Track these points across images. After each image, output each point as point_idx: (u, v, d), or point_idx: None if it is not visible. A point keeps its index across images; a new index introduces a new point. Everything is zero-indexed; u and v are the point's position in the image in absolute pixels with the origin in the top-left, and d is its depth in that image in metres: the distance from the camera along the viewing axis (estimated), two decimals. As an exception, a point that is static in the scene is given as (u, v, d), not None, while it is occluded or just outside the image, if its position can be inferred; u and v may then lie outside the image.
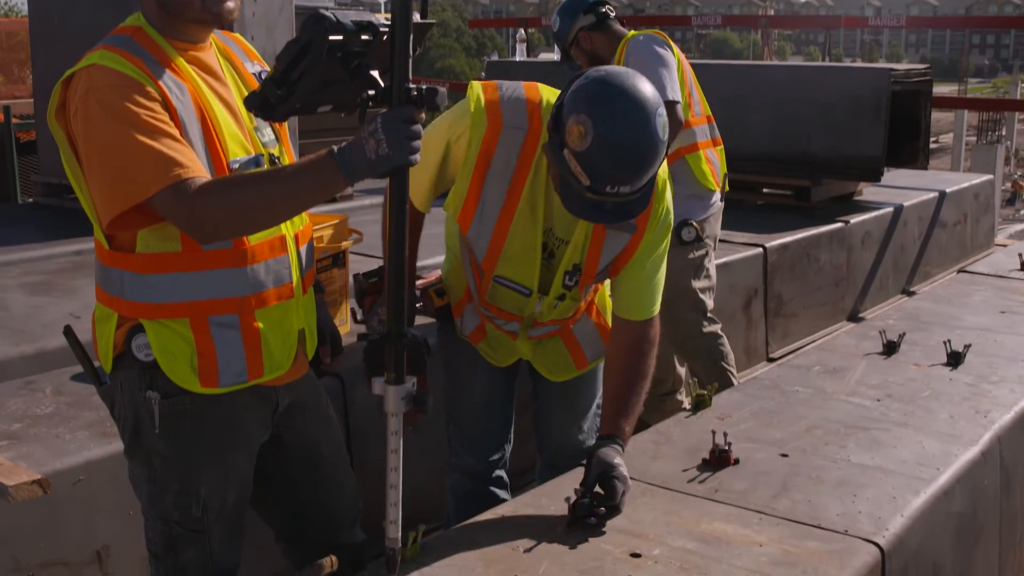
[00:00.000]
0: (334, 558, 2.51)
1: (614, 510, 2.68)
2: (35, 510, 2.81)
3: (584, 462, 2.78)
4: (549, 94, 2.73)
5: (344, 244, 4.00)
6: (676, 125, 4.29)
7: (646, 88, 2.49)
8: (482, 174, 2.69)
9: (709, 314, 4.61)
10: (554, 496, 2.80)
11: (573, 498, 2.65)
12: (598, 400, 3.26)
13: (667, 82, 4.33)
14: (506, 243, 2.77)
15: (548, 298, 2.90)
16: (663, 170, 2.74)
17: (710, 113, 4.68)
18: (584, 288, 2.94)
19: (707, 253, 4.59)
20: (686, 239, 4.44)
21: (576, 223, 2.76)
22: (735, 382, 4.58)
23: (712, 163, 4.58)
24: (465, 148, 2.68)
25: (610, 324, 3.08)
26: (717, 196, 4.63)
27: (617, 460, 2.69)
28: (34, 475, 2.49)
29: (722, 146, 4.71)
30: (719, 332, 4.63)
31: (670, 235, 2.87)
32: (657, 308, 2.90)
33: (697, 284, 4.53)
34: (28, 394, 3.43)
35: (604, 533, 2.61)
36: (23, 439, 3.06)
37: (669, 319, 4.51)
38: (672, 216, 2.85)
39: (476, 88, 2.72)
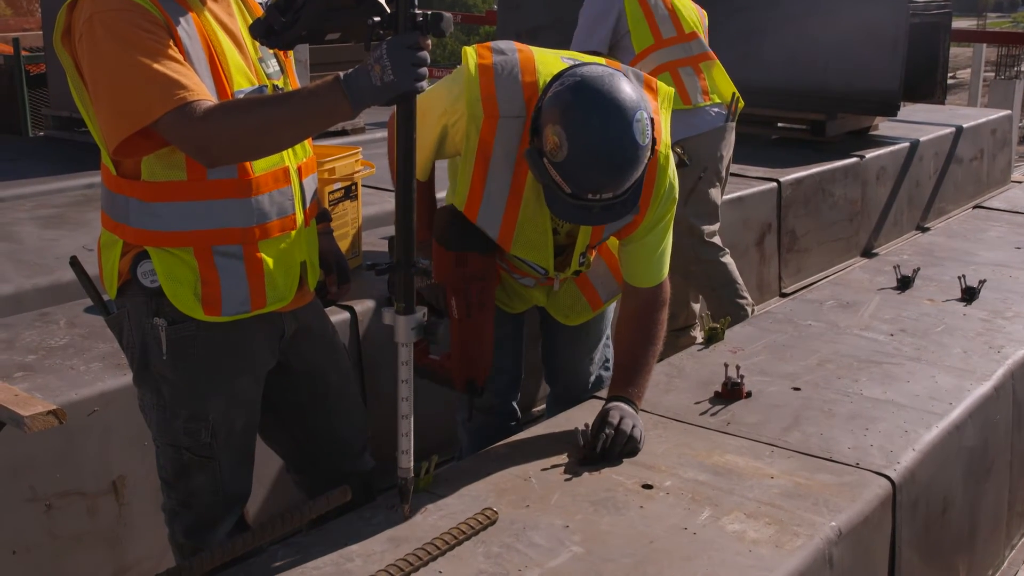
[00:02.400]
0: (347, 488, 2.52)
1: (631, 453, 2.70)
2: (51, 441, 2.84)
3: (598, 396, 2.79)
4: (547, 74, 2.62)
5: (356, 176, 3.98)
6: None
7: (624, 92, 2.42)
8: (484, 166, 2.63)
9: (707, 239, 4.53)
10: (566, 428, 2.81)
11: (583, 441, 2.66)
12: (607, 332, 3.27)
13: (583, 33, 4.40)
14: (516, 230, 2.73)
15: (564, 274, 2.90)
16: (664, 145, 2.68)
17: (693, 29, 4.54)
18: (592, 253, 2.97)
19: (700, 177, 4.47)
20: None
21: None
22: (747, 309, 4.54)
23: (683, 80, 4.44)
24: (463, 138, 2.62)
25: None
26: (707, 114, 4.48)
27: (616, 414, 2.69)
28: (49, 406, 2.49)
29: (711, 61, 4.55)
30: (719, 259, 4.56)
31: (675, 206, 2.83)
32: (665, 273, 2.88)
33: (686, 209, 4.44)
34: (43, 326, 3.44)
35: (616, 464, 2.63)
36: (38, 370, 3.07)
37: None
38: (677, 190, 2.80)
39: (470, 64, 2.62)
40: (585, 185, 2.44)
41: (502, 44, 2.70)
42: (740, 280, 4.63)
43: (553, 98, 2.46)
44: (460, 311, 2.80)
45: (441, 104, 2.66)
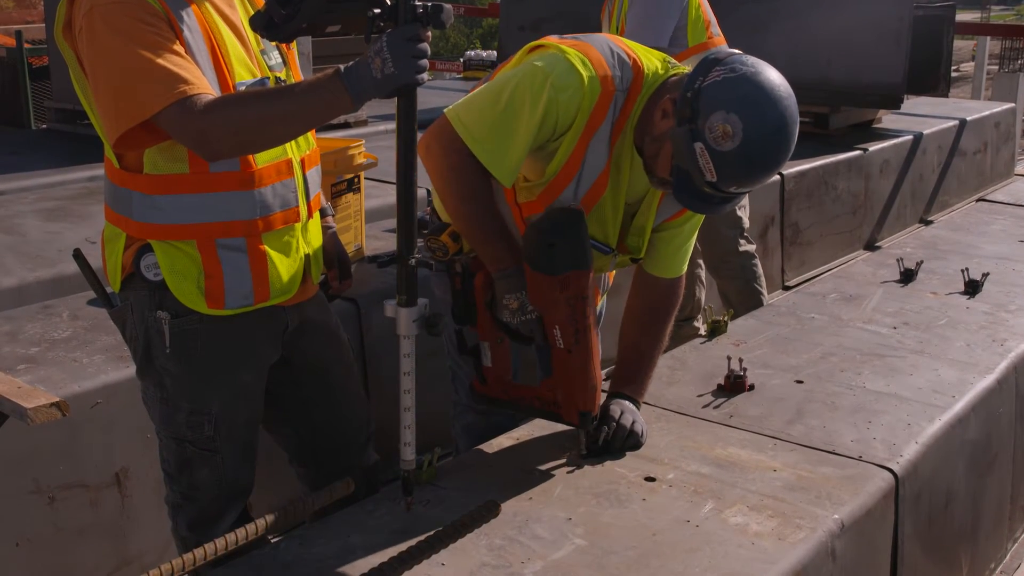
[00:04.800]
0: (350, 481, 2.53)
1: (633, 447, 2.69)
2: (54, 433, 2.84)
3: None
4: (647, 59, 2.57)
5: (359, 169, 3.98)
6: None
7: (791, 91, 2.39)
8: (586, 141, 2.54)
9: (745, 233, 4.62)
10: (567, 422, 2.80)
11: (584, 434, 2.64)
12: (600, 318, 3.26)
13: (645, 26, 4.30)
14: (596, 205, 2.64)
15: (623, 257, 2.82)
16: None
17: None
18: None
19: None
20: None
21: (643, 187, 2.67)
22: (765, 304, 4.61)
23: None
24: (575, 111, 2.50)
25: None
26: None
27: (616, 409, 2.70)
28: (52, 398, 2.49)
29: None
30: (753, 252, 4.67)
31: None
32: (685, 268, 2.86)
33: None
34: (45, 318, 3.45)
35: (619, 457, 2.63)
36: (41, 363, 3.08)
37: (706, 235, 4.55)
38: None
39: (567, 50, 2.49)
40: (737, 178, 2.39)
41: (555, 37, 2.61)
42: (763, 276, 4.70)
43: (726, 85, 2.36)
44: (567, 340, 2.50)
45: (544, 83, 2.46)
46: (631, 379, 2.79)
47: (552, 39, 2.58)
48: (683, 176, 2.42)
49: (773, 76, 2.39)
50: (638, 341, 2.83)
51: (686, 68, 2.53)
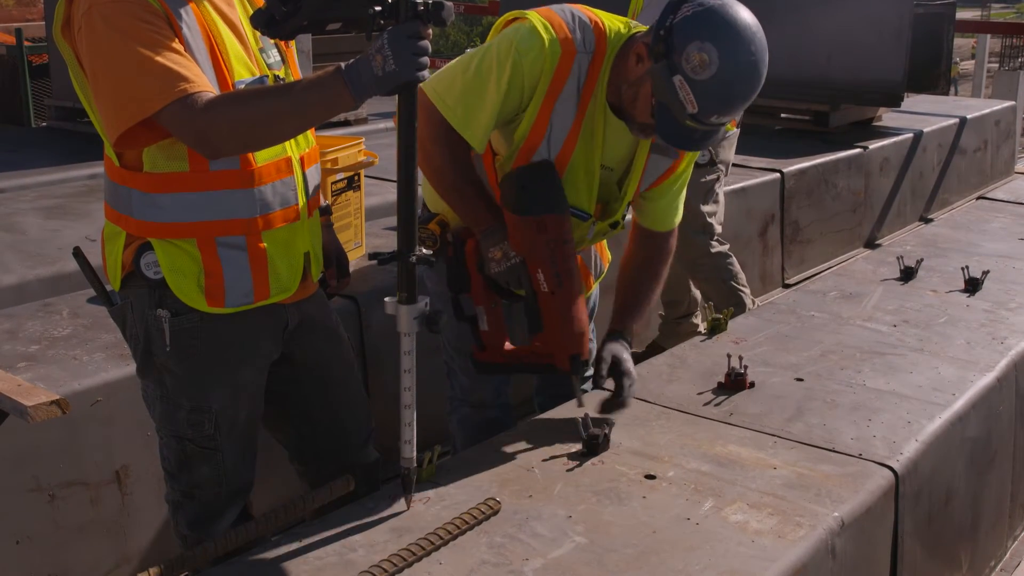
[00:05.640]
0: (350, 478, 2.53)
1: (622, 404, 2.77)
2: (54, 431, 2.84)
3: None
4: (609, 20, 2.69)
5: (359, 167, 3.98)
6: None
7: (757, 21, 2.48)
8: (551, 103, 2.64)
9: (716, 236, 4.66)
10: (567, 419, 2.81)
11: (583, 432, 2.66)
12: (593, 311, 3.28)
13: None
14: (568, 169, 2.72)
15: (602, 224, 2.89)
16: None
17: None
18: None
19: (718, 178, 4.64)
20: (700, 162, 4.46)
21: (623, 150, 2.76)
22: (748, 301, 4.64)
23: None
24: (538, 75, 2.61)
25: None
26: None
27: (625, 355, 2.81)
28: (52, 396, 2.50)
29: None
30: (727, 252, 4.70)
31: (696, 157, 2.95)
32: (679, 219, 2.99)
33: (705, 208, 4.61)
34: (45, 316, 3.45)
35: (619, 454, 2.63)
36: (41, 360, 3.08)
37: (678, 240, 4.57)
38: None
39: (531, 16, 2.63)
40: (716, 106, 2.47)
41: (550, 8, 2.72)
42: (742, 273, 4.73)
43: (698, 18, 2.45)
44: (550, 283, 2.62)
45: (510, 48, 2.59)
46: (630, 315, 2.92)
47: (519, 12, 2.68)
48: (665, 113, 2.50)
49: (740, 7, 2.49)
50: (638, 284, 2.95)
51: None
